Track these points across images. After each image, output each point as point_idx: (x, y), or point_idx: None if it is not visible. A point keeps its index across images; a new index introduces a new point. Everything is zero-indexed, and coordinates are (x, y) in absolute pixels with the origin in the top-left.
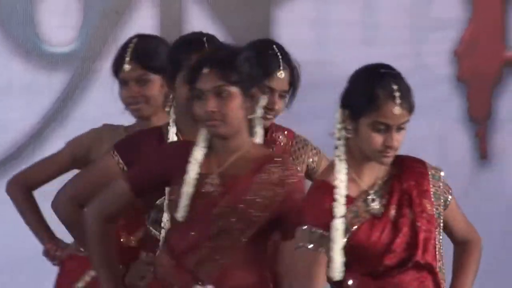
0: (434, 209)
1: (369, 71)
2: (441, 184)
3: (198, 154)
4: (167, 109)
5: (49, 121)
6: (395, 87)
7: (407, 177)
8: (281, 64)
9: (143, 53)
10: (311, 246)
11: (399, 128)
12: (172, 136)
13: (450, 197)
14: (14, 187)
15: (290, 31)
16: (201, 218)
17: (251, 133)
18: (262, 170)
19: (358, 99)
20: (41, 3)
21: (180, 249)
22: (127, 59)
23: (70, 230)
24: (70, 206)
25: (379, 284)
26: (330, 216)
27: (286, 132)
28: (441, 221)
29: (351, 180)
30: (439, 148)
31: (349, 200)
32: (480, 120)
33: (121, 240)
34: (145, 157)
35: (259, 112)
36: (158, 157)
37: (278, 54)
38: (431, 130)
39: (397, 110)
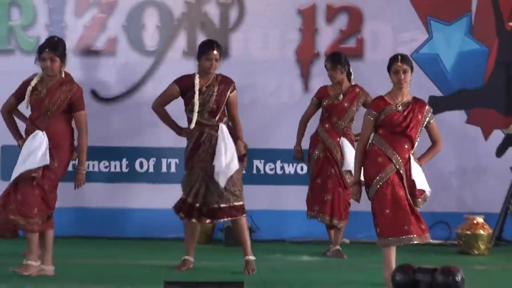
0: (422, 120)
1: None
2: (430, 113)
3: (33, 82)
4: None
5: None
6: (398, 56)
7: (416, 104)
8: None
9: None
10: (369, 116)
11: (404, 72)
12: (197, 79)
13: (432, 120)
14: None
15: None
16: (37, 106)
17: (61, 74)
18: (62, 86)
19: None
20: None
21: (32, 118)
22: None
23: None
24: None
25: (392, 137)
26: (380, 107)
27: (358, 88)
28: (423, 126)
29: (391, 98)
30: None
31: (389, 103)
32: None
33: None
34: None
35: (64, 67)
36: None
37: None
38: None
39: (399, 64)
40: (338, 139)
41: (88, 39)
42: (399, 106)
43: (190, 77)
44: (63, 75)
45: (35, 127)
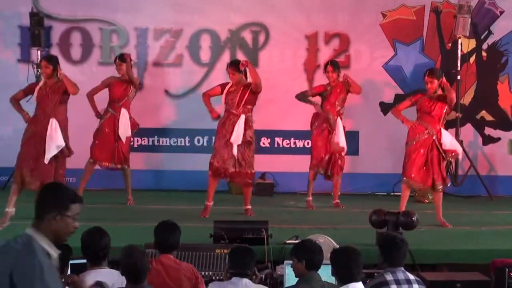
0: (443, 106)
1: None
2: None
3: (40, 83)
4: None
5: None
6: (427, 70)
7: (440, 96)
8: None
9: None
10: (408, 99)
11: (430, 82)
12: (230, 84)
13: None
14: None
15: None
16: (43, 100)
17: (58, 75)
18: (57, 83)
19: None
20: None
21: (42, 108)
22: None
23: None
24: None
25: (428, 116)
26: (416, 97)
27: (342, 82)
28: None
29: (426, 95)
30: None
31: (421, 97)
32: None
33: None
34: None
35: (61, 71)
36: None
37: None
38: None
39: (426, 77)
40: (336, 117)
41: (163, 55)
42: (433, 96)
43: (228, 83)
44: (60, 78)
45: (47, 115)
